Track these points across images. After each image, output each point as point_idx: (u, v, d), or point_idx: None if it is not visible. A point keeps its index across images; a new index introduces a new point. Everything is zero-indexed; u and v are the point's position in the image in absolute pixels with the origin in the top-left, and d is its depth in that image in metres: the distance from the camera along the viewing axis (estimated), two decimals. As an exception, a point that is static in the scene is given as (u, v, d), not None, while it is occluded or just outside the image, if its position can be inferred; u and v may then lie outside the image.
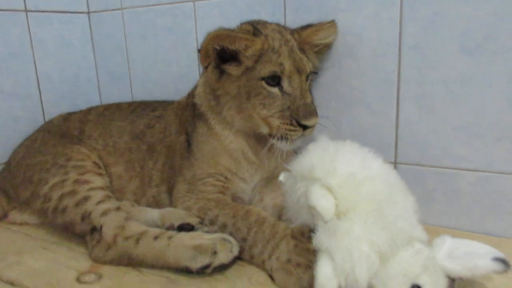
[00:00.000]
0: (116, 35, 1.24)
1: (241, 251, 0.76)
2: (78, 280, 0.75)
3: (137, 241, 0.77)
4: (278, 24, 0.87)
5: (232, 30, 0.80)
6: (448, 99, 0.82)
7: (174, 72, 1.17)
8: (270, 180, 0.90)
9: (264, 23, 0.86)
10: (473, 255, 0.61)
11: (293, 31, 0.86)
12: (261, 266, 0.74)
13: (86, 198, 0.82)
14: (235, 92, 0.82)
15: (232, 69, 0.81)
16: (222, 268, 0.74)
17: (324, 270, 0.60)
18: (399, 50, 0.85)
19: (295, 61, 0.81)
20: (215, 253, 0.73)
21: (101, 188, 0.86)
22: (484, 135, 0.81)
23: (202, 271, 0.73)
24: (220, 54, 0.80)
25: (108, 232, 0.78)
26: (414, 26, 0.82)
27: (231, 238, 0.75)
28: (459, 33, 0.79)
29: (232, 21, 0.87)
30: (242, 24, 0.86)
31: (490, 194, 0.82)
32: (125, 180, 0.96)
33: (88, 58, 1.30)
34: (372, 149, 0.72)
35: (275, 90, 0.80)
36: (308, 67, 0.83)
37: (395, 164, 0.90)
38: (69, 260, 0.81)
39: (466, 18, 0.78)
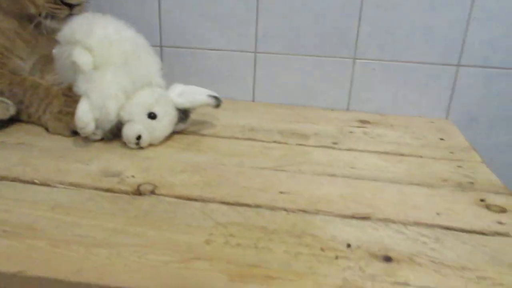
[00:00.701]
0: None
1: (19, 112, 0.88)
2: None
3: None
4: None
5: None
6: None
7: None
8: (49, 59, 1.01)
9: None
10: (195, 93, 0.88)
11: None
12: (38, 122, 0.88)
13: None
14: None
15: None
16: (0, 124, 0.85)
17: (82, 107, 0.79)
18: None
19: None
20: None
21: None
22: (222, 22, 1.07)
23: None
24: None
25: None
26: None
27: (7, 101, 0.86)
28: None
29: None
30: None
31: (228, 67, 1.11)
32: None
33: None
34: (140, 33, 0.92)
35: None
36: None
37: (161, 47, 1.12)
38: None
39: None
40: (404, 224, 0.61)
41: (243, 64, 1.10)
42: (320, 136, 0.91)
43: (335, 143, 0.88)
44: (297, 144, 0.86)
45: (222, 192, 0.66)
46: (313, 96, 1.10)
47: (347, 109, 1.10)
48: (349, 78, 1.07)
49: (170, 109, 0.84)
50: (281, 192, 0.67)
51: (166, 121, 0.83)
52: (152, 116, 0.81)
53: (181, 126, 0.88)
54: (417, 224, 0.61)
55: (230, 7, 1.06)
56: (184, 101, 0.86)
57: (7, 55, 0.96)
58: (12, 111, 0.86)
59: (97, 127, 0.80)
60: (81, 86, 0.80)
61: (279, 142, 0.87)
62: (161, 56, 1.11)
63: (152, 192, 0.65)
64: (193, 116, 0.90)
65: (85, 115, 0.78)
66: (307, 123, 0.99)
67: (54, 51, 0.90)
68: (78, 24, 0.84)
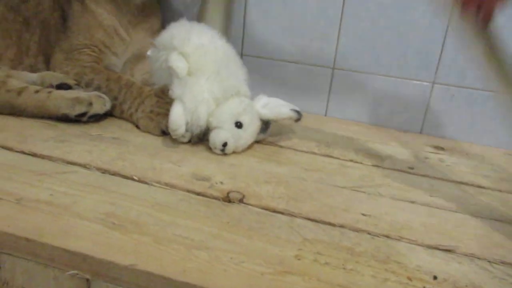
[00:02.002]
0: None
1: (113, 107, 0.95)
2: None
3: (19, 93, 0.90)
4: None
5: None
6: (280, 5, 1.09)
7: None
8: (140, 59, 1.08)
9: None
10: (279, 106, 0.91)
11: None
12: (129, 119, 0.94)
13: None
14: None
15: None
16: (96, 117, 0.92)
17: (176, 110, 0.84)
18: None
19: None
20: (91, 104, 0.90)
21: None
22: (303, 35, 1.10)
23: (79, 118, 0.90)
24: None
25: None
26: None
27: (104, 96, 0.93)
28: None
29: None
30: None
31: (304, 80, 1.13)
32: (2, 47, 1.04)
33: None
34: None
35: None
36: None
37: (242, 55, 1.16)
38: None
39: None
40: (490, 262, 0.61)
41: (319, 79, 1.12)
42: (395, 159, 0.92)
43: (411, 168, 0.88)
44: (373, 165, 0.88)
45: (306, 207, 0.69)
46: (387, 117, 1.10)
47: (420, 132, 1.09)
48: (426, 102, 1.07)
49: (255, 119, 0.88)
50: (363, 214, 0.69)
51: (251, 131, 0.87)
52: (238, 125, 0.85)
53: (262, 136, 0.92)
54: (503, 263, 0.61)
55: (312, 22, 1.08)
56: (268, 113, 0.89)
57: (104, 51, 1.03)
58: (108, 106, 0.93)
59: (186, 130, 0.85)
60: (176, 90, 0.85)
61: (356, 161, 0.88)
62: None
63: (241, 201, 0.69)
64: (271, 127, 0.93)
65: (179, 118, 0.83)
66: (382, 143, 0.99)
67: (148, 53, 0.96)
68: (177, 31, 0.89)
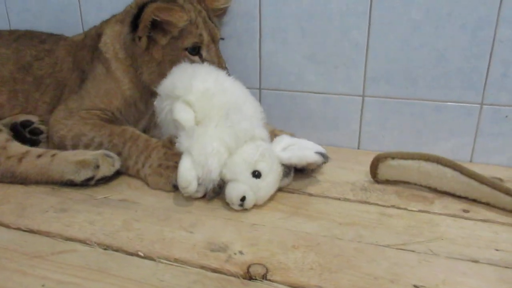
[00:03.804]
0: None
1: (118, 164, 0.86)
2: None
3: (20, 160, 0.84)
4: None
5: (168, 2, 0.86)
6: (298, 32, 0.98)
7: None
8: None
9: None
10: (302, 149, 0.80)
11: (198, 0, 0.94)
12: (136, 175, 0.86)
13: None
14: (160, 59, 0.90)
15: (160, 38, 0.88)
16: (105, 180, 0.83)
17: (184, 164, 0.74)
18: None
19: (210, 31, 0.91)
20: (97, 167, 0.82)
21: None
22: (326, 63, 0.99)
23: (86, 183, 0.82)
24: (153, 23, 0.86)
25: None
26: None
27: (113, 154, 0.84)
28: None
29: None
30: None
31: (331, 111, 1.02)
32: (7, 108, 0.99)
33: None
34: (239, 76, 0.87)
35: (196, 58, 0.90)
36: (219, 35, 0.94)
37: (259, 89, 1.05)
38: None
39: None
40: None
41: (348, 109, 1.00)
42: (445, 199, 0.78)
43: (466, 211, 0.74)
44: (420, 211, 0.74)
45: (344, 281, 0.57)
46: (429, 146, 0.96)
47: (470, 161, 0.95)
48: (474, 126, 0.92)
49: (275, 165, 0.77)
50: (416, 286, 0.56)
51: (271, 179, 0.76)
52: (256, 174, 0.74)
53: (286, 181, 0.80)
54: None
55: (335, 47, 0.97)
56: (290, 157, 0.78)
57: (118, 118, 0.95)
58: (117, 165, 0.84)
59: (199, 184, 0.75)
60: (183, 143, 0.76)
61: (398, 207, 0.75)
62: (260, 99, 1.05)
63: (264, 277, 0.57)
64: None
65: (188, 173, 0.73)
66: (427, 179, 0.86)
67: (155, 103, 0.87)
68: (178, 78, 0.81)
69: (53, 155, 0.84)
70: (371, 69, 0.96)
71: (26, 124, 0.96)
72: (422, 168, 0.78)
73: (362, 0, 0.92)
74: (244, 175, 0.74)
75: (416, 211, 0.74)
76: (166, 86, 0.80)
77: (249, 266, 0.59)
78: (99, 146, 0.87)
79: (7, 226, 0.70)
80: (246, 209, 0.74)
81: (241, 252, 0.62)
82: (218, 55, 0.93)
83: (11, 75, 1.00)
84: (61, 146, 0.90)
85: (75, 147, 0.89)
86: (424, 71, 0.93)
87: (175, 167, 0.78)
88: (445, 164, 0.76)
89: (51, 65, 1.01)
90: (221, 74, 0.82)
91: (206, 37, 0.90)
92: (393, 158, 0.80)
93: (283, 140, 0.80)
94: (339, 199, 0.78)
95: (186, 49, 0.89)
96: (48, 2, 1.18)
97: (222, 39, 0.98)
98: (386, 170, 0.82)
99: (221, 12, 1.00)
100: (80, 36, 1.05)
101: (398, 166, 0.80)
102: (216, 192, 0.76)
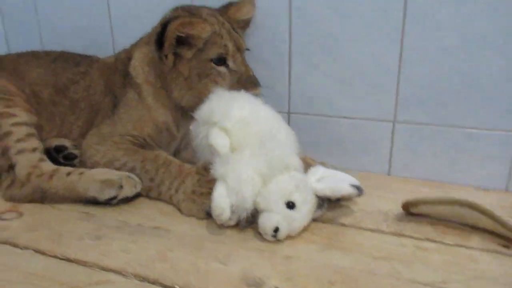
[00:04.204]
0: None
1: (149, 189, 0.87)
2: (-1, 218, 0.81)
3: (51, 177, 0.87)
4: (208, 8, 0.95)
5: (190, 16, 0.87)
6: (327, 56, 0.98)
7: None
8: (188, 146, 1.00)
9: (197, 8, 0.94)
10: (336, 181, 0.79)
11: (221, 12, 0.95)
12: (169, 201, 0.86)
13: (7, 134, 0.88)
14: (187, 74, 0.91)
15: (185, 52, 0.89)
16: (126, 200, 0.86)
17: (219, 191, 0.74)
18: (289, 11, 0.98)
19: (235, 41, 0.92)
20: (121, 187, 0.84)
21: (26, 124, 0.92)
22: (356, 87, 0.98)
23: (108, 202, 0.85)
24: (177, 39, 0.88)
25: (21, 171, 0.86)
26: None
27: (135, 176, 0.87)
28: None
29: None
30: (176, 9, 0.93)
31: (361, 137, 1.01)
32: (46, 131, 1.01)
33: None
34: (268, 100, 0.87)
35: (223, 69, 0.91)
36: (245, 45, 0.95)
37: (288, 114, 1.05)
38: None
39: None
40: None
41: (379, 134, 0.99)
42: (483, 232, 0.76)
43: (506, 246, 0.72)
44: (457, 245, 0.72)
45: (383, 321, 0.56)
46: (462, 173, 0.94)
47: (506, 190, 0.93)
48: (510, 154, 0.90)
49: (309, 196, 0.76)
50: (459, 330, 0.55)
51: (305, 210, 0.75)
52: (290, 205, 0.74)
53: (319, 212, 0.80)
54: None
55: (366, 72, 0.96)
56: (325, 188, 0.77)
57: (150, 143, 0.96)
58: (138, 188, 0.86)
59: (232, 212, 0.75)
60: (218, 169, 0.76)
61: (434, 241, 0.74)
62: (289, 123, 1.05)
63: (302, 316, 0.57)
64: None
65: (222, 200, 0.73)
66: (462, 210, 0.84)
67: (191, 127, 0.88)
68: (216, 105, 0.81)
69: (81, 173, 0.87)
70: (403, 94, 0.95)
71: (59, 149, 0.98)
72: (456, 210, 0.76)
73: (394, 25, 0.91)
74: (278, 205, 0.74)
75: (453, 245, 0.72)
76: (204, 111, 0.81)
77: (286, 304, 0.59)
78: (131, 171, 0.88)
79: (43, 253, 0.71)
80: (279, 240, 0.74)
81: (277, 288, 0.62)
82: (244, 64, 0.93)
83: (50, 97, 1.03)
84: None
85: None
86: (456, 97, 0.91)
87: (209, 193, 0.78)
88: (476, 209, 0.74)
89: (85, 88, 1.03)
90: (257, 102, 0.83)
91: (231, 47, 0.90)
92: (424, 203, 0.79)
93: (318, 171, 0.79)
94: (372, 230, 0.77)
95: (211, 60, 0.90)
96: (79, 22, 1.21)
97: (248, 49, 0.98)
98: (419, 211, 0.80)
99: (244, 24, 1.01)
100: (111, 58, 1.07)
101: (431, 208, 0.79)
102: (249, 221, 0.76)
